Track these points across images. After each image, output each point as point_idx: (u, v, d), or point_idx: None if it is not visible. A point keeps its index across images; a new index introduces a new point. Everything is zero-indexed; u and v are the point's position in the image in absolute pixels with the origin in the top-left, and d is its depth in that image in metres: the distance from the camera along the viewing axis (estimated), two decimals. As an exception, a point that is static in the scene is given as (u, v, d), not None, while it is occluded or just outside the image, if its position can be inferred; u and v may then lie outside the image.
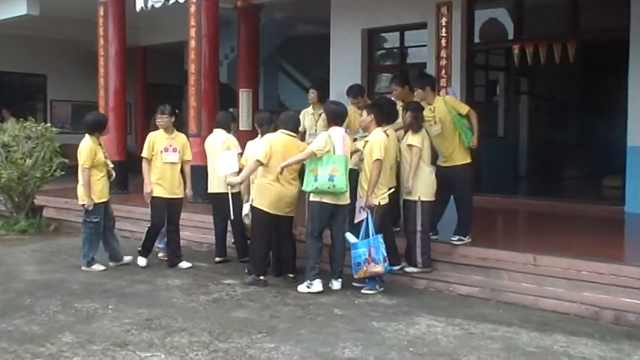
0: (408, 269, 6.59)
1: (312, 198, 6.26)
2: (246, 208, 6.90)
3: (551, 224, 8.40)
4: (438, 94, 7.31)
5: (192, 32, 10.18)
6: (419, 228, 6.49)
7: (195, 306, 5.76)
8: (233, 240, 7.62)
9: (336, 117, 6.40)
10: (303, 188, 6.32)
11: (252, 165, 6.46)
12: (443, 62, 10.44)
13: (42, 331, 5.09)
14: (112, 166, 7.62)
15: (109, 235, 7.48)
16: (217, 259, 7.50)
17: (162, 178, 7.38)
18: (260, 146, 6.49)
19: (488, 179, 11.06)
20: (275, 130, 6.70)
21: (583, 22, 10.00)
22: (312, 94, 7.78)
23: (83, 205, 7.24)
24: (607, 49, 10.68)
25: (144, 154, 7.52)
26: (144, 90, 17.62)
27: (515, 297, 5.95)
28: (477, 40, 10.84)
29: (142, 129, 18.14)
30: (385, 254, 6.15)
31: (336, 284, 6.40)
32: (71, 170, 16.46)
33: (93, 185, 7.21)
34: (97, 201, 7.21)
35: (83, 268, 7.18)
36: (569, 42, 9.98)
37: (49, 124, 10.57)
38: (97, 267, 7.23)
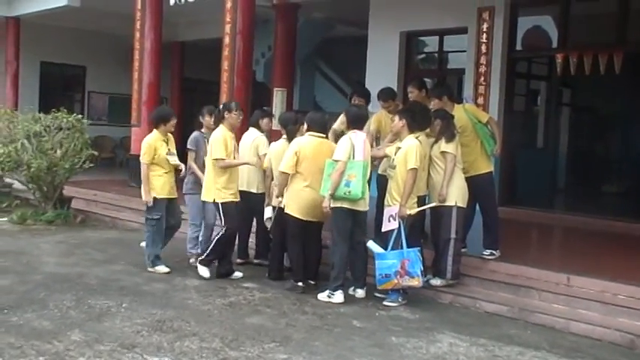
0: (434, 281, 6.32)
1: (332, 204, 6.05)
2: (268, 212, 6.71)
3: (587, 242, 8.04)
4: (458, 103, 7.04)
5: (227, 28, 10.03)
6: (453, 235, 6.23)
7: (210, 309, 5.59)
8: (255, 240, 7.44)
9: (357, 120, 6.22)
10: (320, 192, 6.12)
11: (281, 178, 6.32)
12: (482, 69, 10.10)
13: (52, 327, 4.97)
14: (176, 162, 7.02)
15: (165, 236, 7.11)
16: (239, 260, 7.31)
17: (232, 181, 6.77)
18: (286, 155, 6.31)
19: (525, 191, 10.72)
20: (305, 130, 6.49)
21: (631, 32, 9.60)
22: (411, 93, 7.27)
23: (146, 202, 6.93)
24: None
25: (220, 154, 6.59)
26: (180, 85, 17.70)
27: (545, 319, 5.63)
28: (518, 47, 10.49)
29: (178, 123, 18.18)
30: (422, 268, 5.91)
31: (360, 292, 6.21)
32: (105, 162, 16.96)
33: (153, 181, 6.86)
34: (157, 197, 6.85)
35: (148, 268, 6.87)
36: (616, 52, 9.55)
37: (80, 116, 10.52)
38: (162, 268, 6.84)
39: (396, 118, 6.22)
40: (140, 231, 9.27)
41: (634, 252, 7.44)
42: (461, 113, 6.68)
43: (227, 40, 10.10)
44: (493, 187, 6.97)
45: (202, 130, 7.47)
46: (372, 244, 6.03)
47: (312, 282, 6.40)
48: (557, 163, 13.69)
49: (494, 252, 6.67)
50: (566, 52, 9.98)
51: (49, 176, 9.84)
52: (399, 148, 6.08)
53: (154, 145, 6.96)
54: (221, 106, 7.22)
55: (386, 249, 5.97)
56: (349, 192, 5.91)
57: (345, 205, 6.01)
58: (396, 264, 5.85)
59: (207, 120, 7.38)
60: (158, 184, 6.87)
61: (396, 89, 9.82)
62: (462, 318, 5.74)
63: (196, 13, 13.62)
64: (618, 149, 15.06)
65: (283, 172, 6.24)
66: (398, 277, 5.85)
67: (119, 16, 13.08)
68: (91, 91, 17.96)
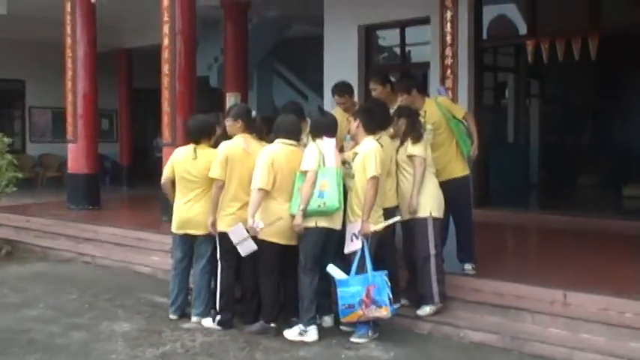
0: (421, 311, 5.36)
1: (305, 223, 5.07)
2: (238, 233, 5.27)
3: (574, 246, 7.22)
4: (428, 96, 6.15)
5: (166, 29, 9.00)
6: (432, 252, 5.32)
7: (137, 365, 4.57)
8: None
9: (319, 129, 5.25)
10: (290, 211, 5.13)
11: (257, 196, 5.12)
12: (448, 61, 9.25)
13: None
14: None
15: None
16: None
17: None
18: (258, 169, 5.17)
19: (498, 190, 9.95)
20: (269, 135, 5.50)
21: (606, 13, 8.90)
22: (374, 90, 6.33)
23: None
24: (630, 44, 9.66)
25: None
26: (129, 95, 16.65)
27: (542, 348, 4.72)
28: (485, 37, 9.71)
29: (128, 137, 17.32)
30: (391, 295, 4.98)
31: (327, 320, 5.31)
32: (51, 182, 15.77)
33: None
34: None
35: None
36: (591, 36, 8.82)
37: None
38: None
39: (352, 119, 5.31)
40: (75, 261, 8.28)
41: (626, 255, 6.64)
42: (433, 108, 5.81)
43: (166, 41, 9.08)
44: (469, 192, 6.11)
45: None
46: (332, 269, 5.07)
47: (295, 319, 5.32)
48: (529, 158, 13.05)
49: (474, 265, 5.83)
50: (537, 38, 9.27)
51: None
52: (357, 153, 5.15)
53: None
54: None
55: (349, 274, 5.04)
56: (324, 203, 4.96)
57: (321, 223, 5.04)
58: (361, 291, 4.92)
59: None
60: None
61: (357, 89, 8.97)
62: (444, 353, 4.81)
63: (140, 17, 12.59)
64: (592, 140, 14.46)
65: (261, 189, 5.13)
66: (363, 307, 4.91)
67: (50, 22, 11.96)
68: (32, 107, 16.72)
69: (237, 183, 5.32)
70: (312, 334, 5.07)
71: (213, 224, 5.37)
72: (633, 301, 4.82)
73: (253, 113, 5.81)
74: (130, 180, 16.20)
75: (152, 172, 11.44)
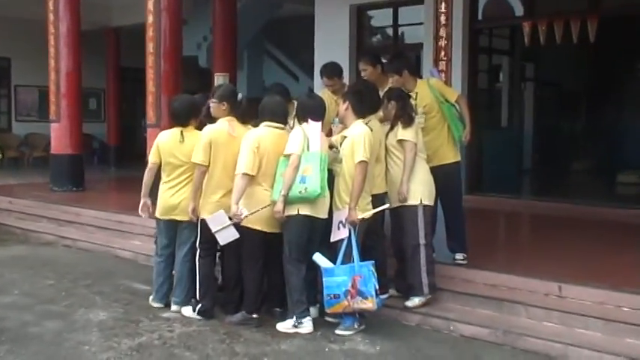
0: (410, 303, 5.13)
1: (287, 211, 4.83)
2: (217, 220, 4.98)
3: (568, 235, 7.02)
4: (420, 78, 5.88)
5: (150, 5, 8.71)
6: (422, 241, 5.09)
7: (110, 358, 4.33)
8: None
9: (305, 112, 4.98)
10: (272, 197, 4.88)
11: (241, 182, 4.83)
12: (442, 42, 8.89)
13: None
14: None
15: None
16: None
17: None
18: (242, 153, 4.89)
19: (490, 176, 9.75)
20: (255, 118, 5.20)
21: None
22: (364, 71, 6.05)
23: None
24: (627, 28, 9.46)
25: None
26: (117, 75, 16.32)
27: (536, 343, 4.50)
28: (481, 17, 9.44)
29: (115, 116, 17.00)
30: (377, 286, 4.76)
31: (313, 311, 5.03)
32: (37, 161, 15.44)
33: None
34: None
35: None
36: (590, 19, 8.55)
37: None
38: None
39: (341, 101, 5.05)
40: (56, 244, 8.04)
41: (622, 244, 6.45)
42: (425, 90, 5.55)
43: (150, 18, 8.79)
44: (460, 179, 5.87)
45: None
46: (318, 257, 4.84)
47: (279, 309, 5.13)
48: (523, 143, 12.84)
49: (465, 254, 5.62)
50: (534, 19, 8.99)
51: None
52: (345, 137, 4.90)
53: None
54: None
55: (335, 263, 4.81)
56: (305, 189, 4.70)
57: (304, 210, 4.79)
58: (346, 281, 4.69)
59: None
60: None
61: (347, 70, 8.75)
62: (433, 347, 4.60)
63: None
64: (587, 125, 14.28)
65: (245, 175, 4.85)
66: (348, 297, 4.69)
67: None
68: (17, 85, 16.37)
69: (221, 168, 5.06)
70: (307, 325, 4.83)
71: (194, 210, 5.13)
72: (631, 295, 4.62)
73: (240, 95, 5.53)
74: (117, 160, 15.93)
75: (140, 153, 11.16)
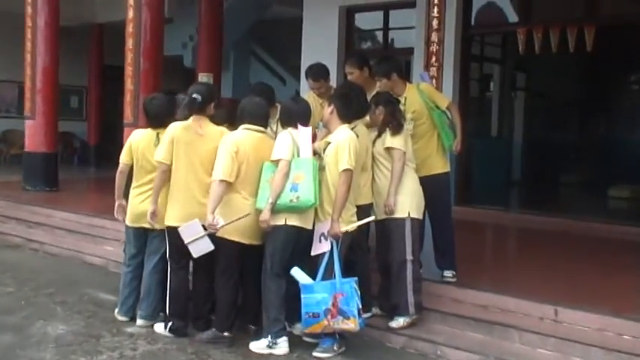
0: (394, 323, 4.78)
1: (273, 221, 4.46)
2: (191, 230, 4.61)
3: (562, 252, 6.68)
4: (409, 82, 5.54)
5: (131, -1, 8.33)
6: (409, 257, 4.74)
7: (62, 381, 3.94)
8: None
9: (289, 118, 4.65)
10: (257, 205, 4.51)
11: (218, 189, 4.46)
12: (434, 48, 8.63)
13: None
14: None
15: None
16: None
17: None
18: (220, 158, 4.53)
19: (479, 187, 9.43)
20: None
21: (604, 3, 8.38)
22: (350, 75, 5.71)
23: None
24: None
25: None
26: (100, 72, 15.89)
27: (530, 372, 4.19)
28: (474, 23, 9.15)
29: (97, 115, 16.57)
30: (360, 305, 4.41)
31: (299, 327, 4.65)
32: (15, 159, 14.95)
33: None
34: None
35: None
36: (587, 27, 8.29)
37: None
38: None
39: (326, 105, 4.71)
40: (23, 248, 7.62)
41: (618, 264, 6.14)
42: (414, 95, 5.21)
43: (131, 13, 8.42)
44: (450, 191, 5.54)
45: None
46: (296, 272, 4.47)
47: (253, 327, 4.77)
48: (512, 154, 12.59)
49: (454, 272, 5.27)
50: (530, 27, 8.71)
51: None
52: (329, 143, 4.55)
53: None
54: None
55: (315, 278, 4.45)
56: (297, 198, 4.36)
57: (292, 220, 4.44)
58: (327, 299, 4.33)
59: None
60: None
61: (335, 74, 8.40)
62: (419, 373, 4.26)
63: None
64: (578, 137, 14.05)
65: (222, 181, 4.48)
66: (329, 317, 4.33)
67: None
68: (-4, 80, 15.92)
69: (185, 169, 4.69)
70: (282, 346, 4.47)
71: (153, 214, 4.75)
72: (632, 322, 4.29)
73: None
74: (98, 160, 15.52)
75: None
